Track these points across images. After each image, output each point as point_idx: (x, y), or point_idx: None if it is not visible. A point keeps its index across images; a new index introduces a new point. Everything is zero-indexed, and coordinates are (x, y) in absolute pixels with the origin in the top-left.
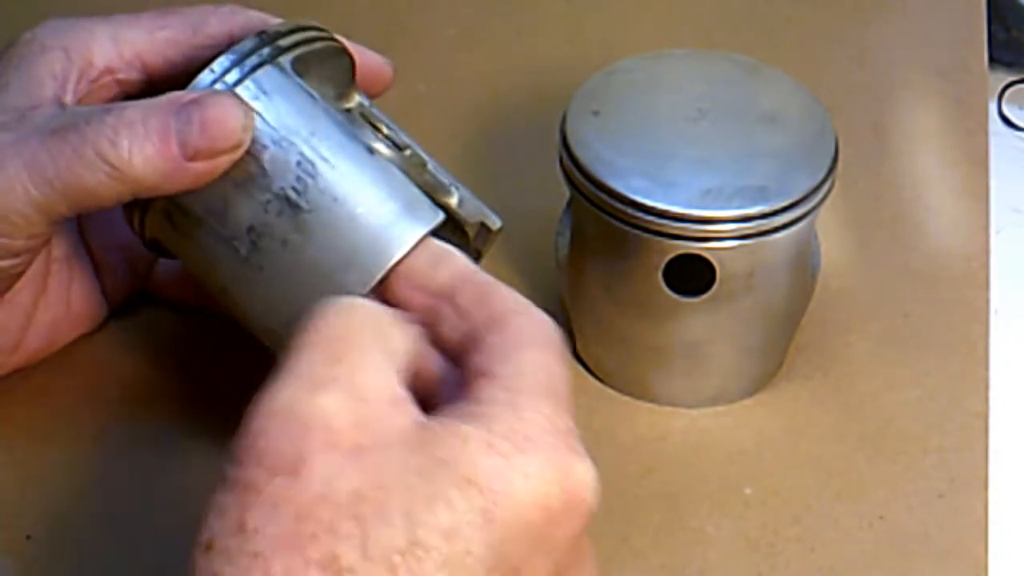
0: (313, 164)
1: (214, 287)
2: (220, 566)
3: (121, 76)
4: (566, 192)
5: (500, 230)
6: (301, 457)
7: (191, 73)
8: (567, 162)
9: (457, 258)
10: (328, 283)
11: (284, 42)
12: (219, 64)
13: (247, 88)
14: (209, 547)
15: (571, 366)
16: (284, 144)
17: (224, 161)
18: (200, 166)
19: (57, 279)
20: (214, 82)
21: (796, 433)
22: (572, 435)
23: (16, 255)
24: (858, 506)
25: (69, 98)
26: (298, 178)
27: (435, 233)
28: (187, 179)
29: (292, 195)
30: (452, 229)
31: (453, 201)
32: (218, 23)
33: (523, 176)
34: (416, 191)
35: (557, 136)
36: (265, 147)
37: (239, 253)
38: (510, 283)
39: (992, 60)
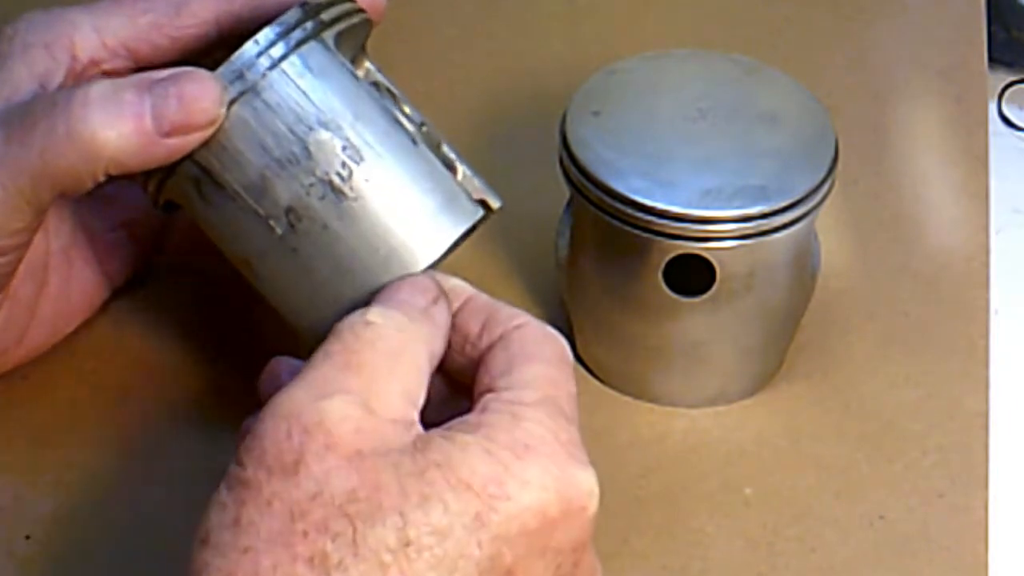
0: (359, 151)
1: (236, 258)
2: (212, 558)
3: (107, 66)
4: (566, 192)
5: (500, 209)
6: (299, 458)
7: (177, 61)
8: (567, 162)
9: (455, 281)
10: (364, 271)
11: (326, 15)
12: (264, 36)
13: (292, 64)
14: (204, 541)
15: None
16: (330, 127)
17: (196, 139)
18: (173, 142)
19: (57, 272)
20: (259, 55)
21: (796, 433)
22: (573, 445)
23: (2, 254)
24: (858, 506)
25: None
26: (343, 164)
27: None
28: (159, 155)
29: (336, 181)
30: None
31: (457, 176)
32: (200, 1)
33: (523, 176)
34: (454, 184)
35: (557, 136)
36: (311, 128)
37: (274, 232)
38: (510, 283)
39: (992, 60)
